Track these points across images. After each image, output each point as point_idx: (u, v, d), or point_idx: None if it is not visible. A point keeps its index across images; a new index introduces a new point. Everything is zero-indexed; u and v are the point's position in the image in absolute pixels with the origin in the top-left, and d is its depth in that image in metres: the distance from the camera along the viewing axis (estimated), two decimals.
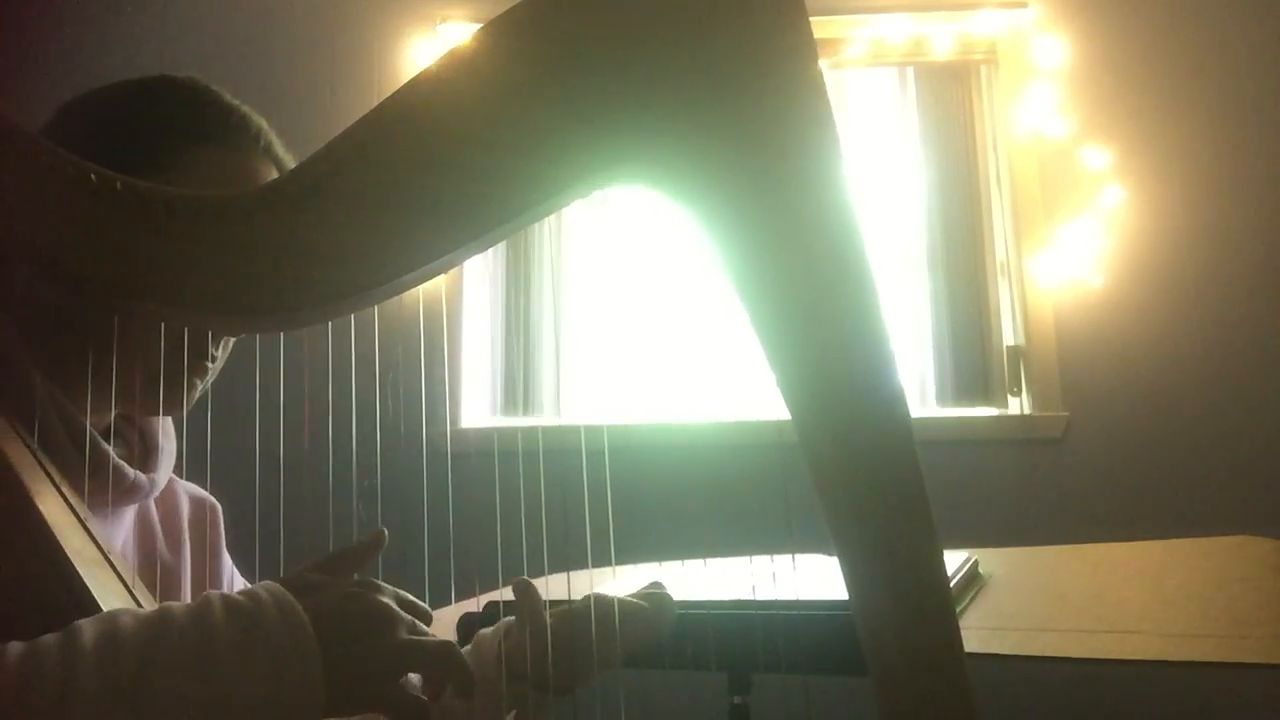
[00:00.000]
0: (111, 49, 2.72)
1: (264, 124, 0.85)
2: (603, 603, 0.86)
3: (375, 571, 0.73)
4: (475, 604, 1.07)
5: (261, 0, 2.76)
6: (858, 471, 0.58)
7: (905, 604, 0.58)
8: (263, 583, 0.64)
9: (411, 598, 0.68)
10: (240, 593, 0.62)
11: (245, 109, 0.85)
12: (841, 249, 0.58)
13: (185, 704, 0.56)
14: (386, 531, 0.71)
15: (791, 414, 0.59)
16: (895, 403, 0.58)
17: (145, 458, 0.85)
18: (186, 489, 0.94)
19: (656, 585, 0.92)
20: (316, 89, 2.59)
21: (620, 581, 1.14)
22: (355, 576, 0.69)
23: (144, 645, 0.57)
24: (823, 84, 0.58)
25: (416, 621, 0.66)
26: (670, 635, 0.89)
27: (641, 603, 0.89)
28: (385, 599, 0.65)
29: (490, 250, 2.66)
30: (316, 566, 0.68)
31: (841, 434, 0.58)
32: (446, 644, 0.65)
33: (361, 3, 2.73)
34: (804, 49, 0.58)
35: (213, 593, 0.62)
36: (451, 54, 0.60)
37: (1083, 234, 2.53)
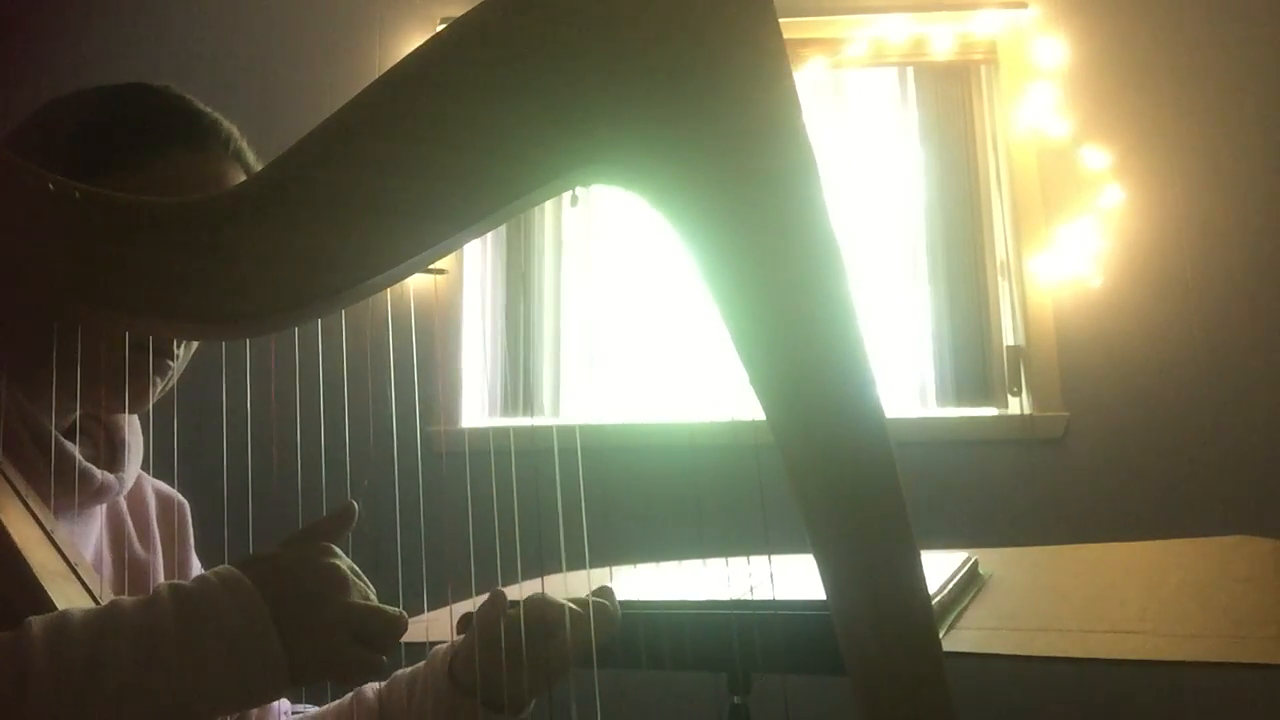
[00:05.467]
0: (112, 50, 2.72)
1: (235, 130, 0.86)
2: (535, 612, 0.83)
3: (377, 572, 0.72)
4: (472, 604, 1.07)
5: (262, 0, 2.76)
6: (831, 470, 0.58)
7: (882, 602, 0.58)
8: (215, 567, 0.64)
9: (359, 570, 0.68)
10: (191, 579, 0.63)
11: (216, 115, 0.85)
12: (814, 253, 0.58)
13: (140, 688, 0.56)
14: (357, 505, 0.71)
15: (766, 413, 0.59)
16: (869, 401, 0.58)
17: (112, 455, 0.85)
18: (154, 485, 0.94)
19: (605, 591, 0.89)
20: (316, 89, 2.59)
21: (618, 582, 1.14)
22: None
23: (94, 636, 0.57)
24: (795, 89, 0.58)
25: (369, 589, 0.66)
26: (612, 639, 0.85)
27: (577, 609, 0.85)
28: (336, 561, 0.65)
29: (489, 250, 2.68)
30: (286, 542, 0.68)
31: (815, 433, 0.58)
32: (399, 612, 0.66)
33: (361, 3, 2.73)
34: (775, 55, 0.58)
35: (163, 583, 0.62)
36: (415, 54, 0.59)
37: (1083, 234, 2.52)
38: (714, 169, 0.58)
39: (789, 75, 0.58)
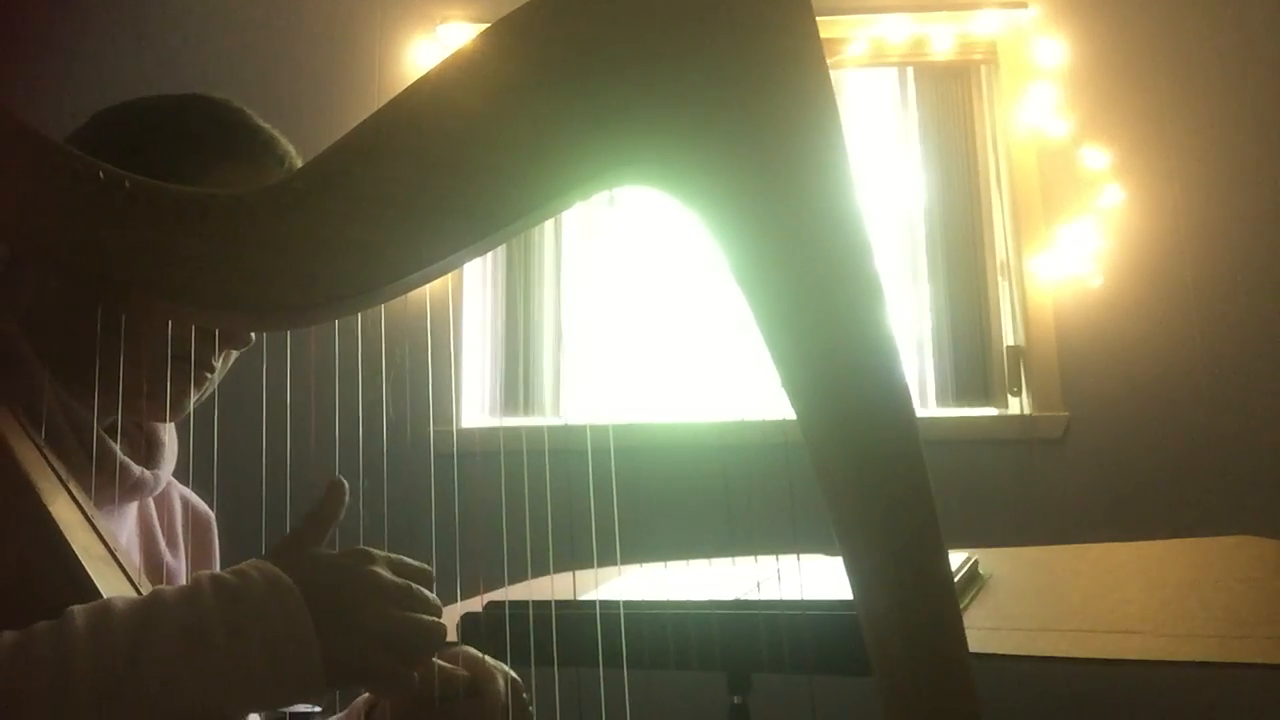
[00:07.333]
0: (115, 52, 2.72)
1: (291, 148, 0.86)
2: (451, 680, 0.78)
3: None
4: (474, 604, 1.08)
5: (262, 1, 2.76)
6: (862, 471, 0.58)
7: (910, 603, 0.58)
8: (250, 560, 0.64)
9: (409, 560, 0.68)
10: (228, 571, 0.63)
11: (273, 131, 0.86)
12: (847, 250, 0.58)
13: (180, 682, 0.57)
14: (345, 481, 0.70)
15: (796, 413, 0.59)
16: (900, 402, 0.58)
17: (149, 455, 0.87)
18: (182, 492, 0.95)
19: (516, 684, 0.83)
20: (317, 89, 2.59)
21: (622, 581, 1.14)
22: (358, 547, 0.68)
23: (136, 628, 0.58)
24: (830, 85, 0.59)
25: (413, 586, 0.66)
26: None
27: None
28: (375, 568, 0.66)
29: (490, 250, 2.67)
30: (289, 542, 0.68)
31: (846, 433, 0.58)
32: (437, 623, 0.66)
33: (362, 3, 2.73)
34: (811, 51, 0.59)
35: (203, 574, 0.63)
36: (459, 54, 0.60)
37: (1083, 234, 2.52)
38: (750, 169, 0.59)
39: (825, 74, 0.59)
